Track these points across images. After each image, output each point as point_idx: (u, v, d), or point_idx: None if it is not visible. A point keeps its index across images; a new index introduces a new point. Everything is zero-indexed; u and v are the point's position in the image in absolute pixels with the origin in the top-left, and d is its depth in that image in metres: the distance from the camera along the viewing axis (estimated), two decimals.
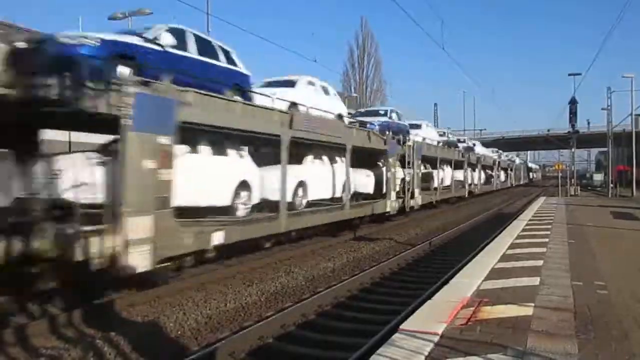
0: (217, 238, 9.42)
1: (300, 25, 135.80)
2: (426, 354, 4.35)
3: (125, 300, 8.51)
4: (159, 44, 9.28)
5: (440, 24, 73.63)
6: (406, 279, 11.20)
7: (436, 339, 4.71)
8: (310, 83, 15.75)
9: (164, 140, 8.08)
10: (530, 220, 16.43)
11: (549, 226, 14.19)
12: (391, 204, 18.76)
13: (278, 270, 11.31)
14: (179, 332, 7.46)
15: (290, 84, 15.01)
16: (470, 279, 7.34)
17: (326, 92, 16.54)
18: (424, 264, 12.91)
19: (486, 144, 54.12)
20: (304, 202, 13.38)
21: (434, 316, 5.40)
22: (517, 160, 72.20)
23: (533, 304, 5.84)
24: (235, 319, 8.22)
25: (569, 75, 35.90)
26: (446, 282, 7.75)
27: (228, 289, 9.60)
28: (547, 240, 11.25)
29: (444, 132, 36.07)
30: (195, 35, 10.52)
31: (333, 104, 16.34)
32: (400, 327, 5.09)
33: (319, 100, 15.36)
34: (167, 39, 9.42)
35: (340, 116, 16.48)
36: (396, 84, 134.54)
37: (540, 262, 8.49)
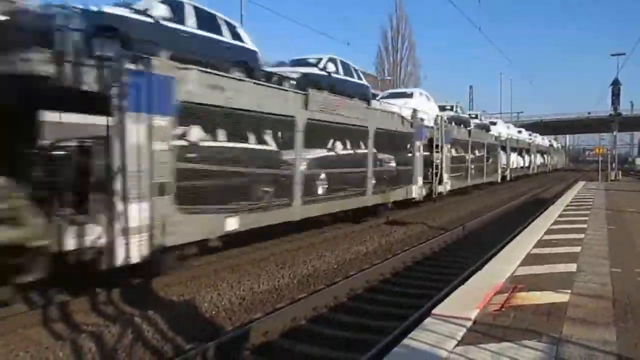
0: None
1: (334, 8, 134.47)
2: (459, 339, 4.33)
3: (162, 280, 8.74)
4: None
5: (478, 3, 71.60)
6: (439, 264, 11.12)
7: (469, 324, 4.68)
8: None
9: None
10: (568, 205, 16.03)
11: (588, 211, 13.82)
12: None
13: (310, 254, 11.40)
14: (214, 312, 7.63)
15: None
16: (504, 264, 7.24)
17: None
18: (457, 249, 12.78)
19: (524, 127, 52.63)
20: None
21: (467, 301, 5.36)
22: (555, 144, 69.35)
23: (570, 291, 5.73)
24: (268, 300, 8.34)
25: (612, 55, 34.53)
26: (480, 267, 7.67)
27: (261, 271, 9.75)
28: (585, 226, 10.97)
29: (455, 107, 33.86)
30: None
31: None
32: (433, 311, 5.08)
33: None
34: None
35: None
36: (430, 67, 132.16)
37: (577, 249, 8.30)
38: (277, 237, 12.22)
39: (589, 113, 69.12)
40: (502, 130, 35.23)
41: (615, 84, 31.77)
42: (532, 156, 45.78)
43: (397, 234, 14.40)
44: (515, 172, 37.30)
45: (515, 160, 38.83)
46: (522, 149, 41.48)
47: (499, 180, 32.82)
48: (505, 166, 34.74)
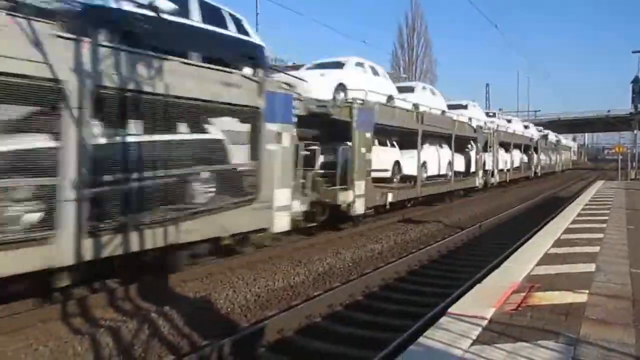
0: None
1: (349, 5, 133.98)
2: (474, 338, 4.31)
3: (178, 276, 8.82)
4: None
5: (494, 1, 70.93)
6: (455, 263, 11.06)
7: (484, 323, 4.66)
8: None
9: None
10: (587, 204, 15.82)
11: (607, 211, 13.62)
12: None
13: (326, 251, 11.41)
14: (229, 309, 7.69)
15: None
16: (521, 263, 7.18)
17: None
18: (473, 248, 12.69)
19: (542, 125, 51.60)
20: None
21: (483, 300, 5.33)
22: (564, 141, 61.82)
23: (588, 291, 5.66)
24: (283, 297, 8.38)
25: (633, 52, 33.89)
26: (496, 266, 7.61)
27: (277, 268, 9.78)
28: (604, 225, 10.81)
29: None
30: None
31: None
32: (448, 310, 5.06)
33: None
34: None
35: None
36: (447, 65, 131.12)
37: (596, 248, 8.19)
38: (292, 235, 12.25)
39: (608, 111, 67.94)
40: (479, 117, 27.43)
41: (636, 81, 31.13)
42: (536, 155, 38.18)
43: (412, 233, 14.34)
44: (502, 176, 28.72)
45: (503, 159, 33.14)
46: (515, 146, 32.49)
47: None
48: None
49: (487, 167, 25.20)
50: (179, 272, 8.87)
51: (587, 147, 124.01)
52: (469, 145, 23.80)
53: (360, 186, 13.22)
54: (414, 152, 17.38)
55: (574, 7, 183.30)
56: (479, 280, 6.64)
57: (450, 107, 23.48)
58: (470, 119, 24.26)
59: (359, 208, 13.32)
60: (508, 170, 29.78)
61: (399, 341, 6.02)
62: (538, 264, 7.13)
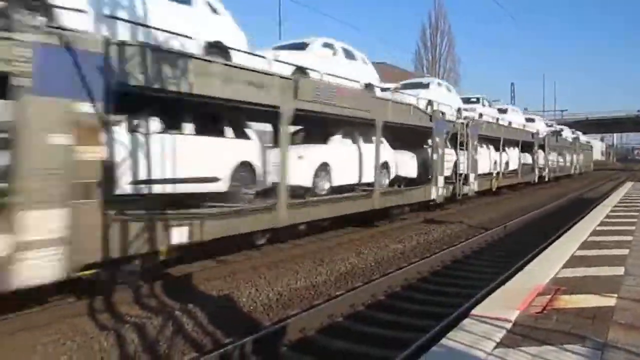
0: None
1: (371, 3, 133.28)
2: (498, 340, 4.26)
3: (202, 274, 8.92)
4: None
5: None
6: (478, 264, 10.93)
7: (509, 325, 4.60)
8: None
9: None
10: (615, 206, 15.46)
11: (637, 213, 13.29)
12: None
13: (348, 251, 11.40)
14: (252, 307, 7.74)
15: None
16: (547, 265, 7.06)
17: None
18: (497, 249, 12.53)
19: (568, 125, 50.17)
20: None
21: (507, 302, 5.26)
22: (585, 138, 53.21)
23: (616, 295, 5.53)
24: (305, 296, 8.40)
25: None
26: (521, 268, 7.51)
27: (299, 268, 9.81)
28: (633, 228, 10.55)
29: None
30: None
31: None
32: (472, 312, 5.01)
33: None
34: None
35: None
36: (471, 63, 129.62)
37: (625, 251, 8.00)
38: (313, 235, 12.27)
39: (638, 111, 66.38)
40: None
41: None
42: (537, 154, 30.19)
43: (435, 233, 14.22)
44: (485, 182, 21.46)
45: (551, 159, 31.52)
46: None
47: (536, 180, 28.75)
48: (544, 165, 30.00)
49: (460, 171, 18.16)
50: (202, 270, 8.98)
51: (615, 147, 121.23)
52: (427, 141, 16.90)
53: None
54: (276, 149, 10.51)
55: (604, 3, 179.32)
56: (503, 282, 6.56)
57: (407, 86, 19.34)
58: (430, 101, 17.91)
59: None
60: (498, 174, 22.74)
61: (421, 341, 5.98)
62: (564, 267, 7.00)
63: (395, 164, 14.63)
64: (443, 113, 17.37)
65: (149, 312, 7.14)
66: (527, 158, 28.41)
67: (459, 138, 18.20)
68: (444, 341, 4.27)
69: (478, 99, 25.58)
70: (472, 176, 18.88)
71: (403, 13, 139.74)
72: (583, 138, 51.29)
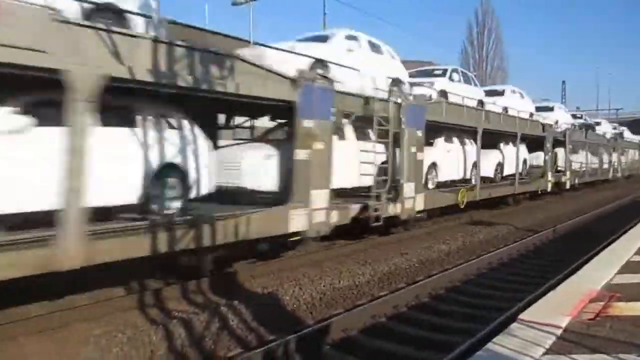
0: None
1: (416, 3, 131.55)
2: (547, 347, 4.14)
3: (247, 271, 9.07)
4: None
5: None
6: (526, 267, 10.64)
7: (559, 332, 4.45)
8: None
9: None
10: None
11: None
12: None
13: (392, 251, 11.32)
14: (295, 306, 7.81)
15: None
16: (600, 271, 6.80)
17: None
18: (547, 252, 12.15)
19: (623, 124, 45.92)
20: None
21: (557, 308, 5.10)
22: (630, 135, 41.29)
23: None
24: (348, 296, 8.40)
25: None
26: (572, 272, 7.25)
27: (342, 267, 9.81)
28: None
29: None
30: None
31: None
32: (519, 316, 4.89)
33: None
34: None
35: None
36: (520, 60, 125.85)
37: None
38: (357, 235, 12.26)
39: None
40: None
41: None
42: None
43: (481, 234, 13.94)
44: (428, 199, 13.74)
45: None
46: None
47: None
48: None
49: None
50: (247, 267, 9.13)
51: None
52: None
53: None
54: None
55: None
56: (553, 287, 6.36)
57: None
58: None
59: None
60: (467, 182, 15.89)
61: (466, 345, 5.87)
62: (619, 272, 6.72)
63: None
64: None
65: (195, 308, 7.31)
66: (540, 158, 22.19)
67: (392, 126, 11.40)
68: (489, 345, 4.18)
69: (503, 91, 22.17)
70: (407, 188, 11.94)
71: (450, 11, 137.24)
72: (631, 135, 41.61)
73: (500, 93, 21.14)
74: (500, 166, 18.48)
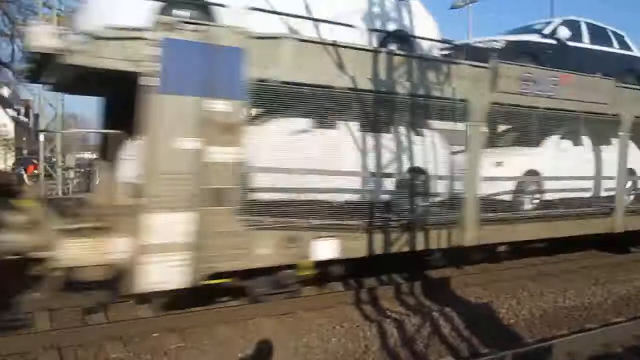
0: None
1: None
2: None
3: (460, 279, 8.88)
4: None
5: None
6: None
7: None
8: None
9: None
10: None
11: None
12: None
13: (632, 272, 9.84)
14: (512, 321, 7.36)
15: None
16: None
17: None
18: None
19: None
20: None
21: None
22: None
23: None
24: (574, 317, 7.58)
25: None
26: None
27: (568, 284, 8.89)
28: None
29: None
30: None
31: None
32: None
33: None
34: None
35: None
36: None
37: None
38: (587, 249, 10.98)
39: None
40: None
41: None
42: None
43: None
44: None
45: None
46: None
47: None
48: None
49: None
50: (460, 275, 8.94)
51: None
52: None
53: None
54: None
55: None
56: None
57: None
58: None
59: None
60: None
61: None
62: None
63: None
64: None
65: (408, 310, 7.45)
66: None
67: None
68: None
69: None
70: None
71: None
72: None
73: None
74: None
